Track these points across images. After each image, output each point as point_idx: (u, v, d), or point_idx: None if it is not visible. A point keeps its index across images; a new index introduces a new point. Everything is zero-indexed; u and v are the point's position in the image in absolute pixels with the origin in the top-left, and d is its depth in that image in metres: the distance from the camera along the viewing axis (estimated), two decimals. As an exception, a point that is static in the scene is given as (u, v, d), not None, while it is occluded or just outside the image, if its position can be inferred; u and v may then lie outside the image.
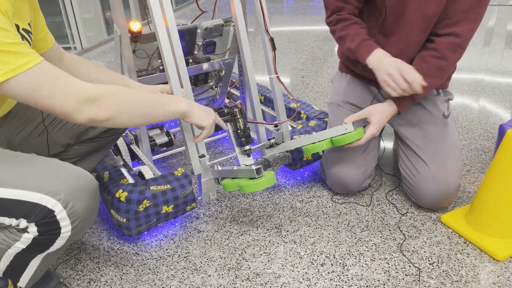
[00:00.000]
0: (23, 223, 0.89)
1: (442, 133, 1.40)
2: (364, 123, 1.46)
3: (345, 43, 1.39)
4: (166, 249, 1.34)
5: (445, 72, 1.32)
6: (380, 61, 1.29)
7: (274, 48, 1.46)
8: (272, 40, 1.45)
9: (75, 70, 1.28)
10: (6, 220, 0.90)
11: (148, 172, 1.49)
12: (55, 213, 0.88)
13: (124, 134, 1.77)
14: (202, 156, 1.38)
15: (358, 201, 1.51)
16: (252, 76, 1.49)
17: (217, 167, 1.39)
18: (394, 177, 1.63)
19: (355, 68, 1.52)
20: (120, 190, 1.29)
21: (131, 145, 1.72)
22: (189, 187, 1.35)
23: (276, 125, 1.53)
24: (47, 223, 0.89)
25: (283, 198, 1.55)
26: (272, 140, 1.50)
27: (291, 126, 1.73)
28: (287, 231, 1.38)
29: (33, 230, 0.90)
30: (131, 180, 1.46)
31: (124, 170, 1.53)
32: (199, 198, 1.45)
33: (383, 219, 1.41)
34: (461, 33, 1.27)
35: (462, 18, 1.26)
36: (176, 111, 1.09)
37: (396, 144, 1.50)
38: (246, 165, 1.39)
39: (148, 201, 1.29)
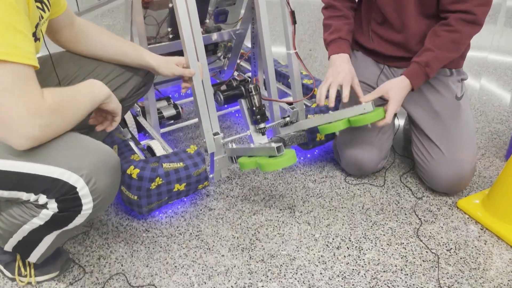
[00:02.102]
0: (42, 198, 0.85)
1: (454, 115, 1.36)
2: (380, 101, 1.42)
3: (325, 33, 1.44)
4: (177, 227, 1.31)
5: (459, 45, 1.29)
6: (334, 64, 1.35)
7: (294, 22, 1.38)
8: (292, 13, 1.38)
9: (85, 37, 1.20)
10: (24, 195, 0.86)
11: (158, 147, 1.43)
12: (77, 190, 0.83)
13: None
14: (216, 133, 1.33)
15: (372, 183, 1.48)
16: (269, 49, 1.42)
17: (232, 145, 1.34)
18: (407, 158, 1.60)
19: (361, 39, 1.48)
20: (132, 167, 1.24)
21: (137, 117, 1.66)
22: (203, 166, 1.30)
23: (291, 104, 1.48)
24: (68, 200, 0.84)
25: (295, 178, 1.52)
26: (287, 119, 1.45)
27: (306, 105, 1.68)
28: (301, 212, 1.36)
29: (53, 206, 0.86)
30: (141, 156, 1.41)
31: (132, 144, 1.48)
32: (210, 176, 1.41)
33: (398, 203, 1.39)
34: (471, 10, 1.23)
35: None
36: (101, 97, 0.97)
37: (409, 126, 1.46)
38: (263, 143, 1.34)
39: (161, 179, 1.24)
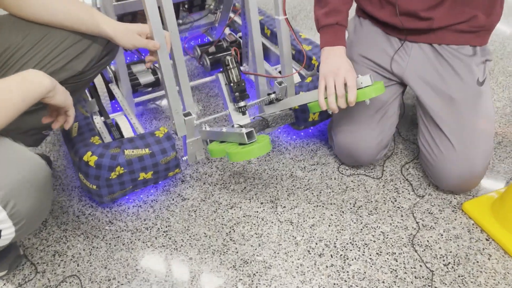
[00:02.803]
0: None
1: (473, 104, 1.14)
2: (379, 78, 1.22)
3: (317, 8, 1.18)
4: (144, 220, 1.17)
5: None
6: (328, 57, 1.14)
7: (286, -16, 1.14)
8: (284, -27, 1.13)
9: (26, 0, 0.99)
10: None
11: (125, 125, 1.26)
12: None
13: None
14: (188, 114, 1.15)
15: (368, 173, 1.31)
16: (254, 12, 1.19)
17: (205, 127, 1.16)
18: (413, 144, 1.41)
19: (374, 11, 1.22)
20: (89, 153, 1.08)
21: (110, 84, 1.47)
22: (172, 152, 1.14)
23: (280, 77, 1.28)
24: None
25: (283, 163, 1.35)
26: (272, 96, 1.25)
27: (301, 76, 1.46)
28: (284, 207, 1.20)
29: None
30: (107, 134, 1.25)
31: (98, 120, 1.31)
32: (184, 158, 1.25)
33: (395, 200, 1.22)
34: None
35: None
36: (39, 93, 0.80)
37: (417, 109, 1.25)
38: (238, 126, 1.16)
39: (122, 168, 1.09)
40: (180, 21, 1.69)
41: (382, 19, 1.20)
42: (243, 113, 1.22)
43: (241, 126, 1.18)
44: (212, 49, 1.65)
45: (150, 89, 1.54)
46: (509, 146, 1.41)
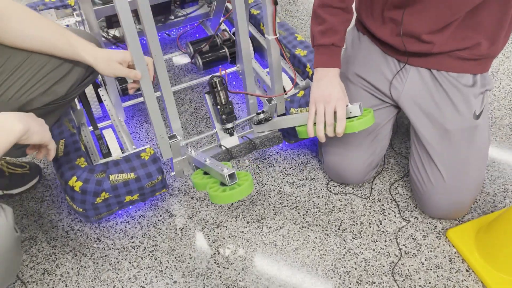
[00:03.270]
0: None
1: (467, 137, 1.12)
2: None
3: (314, 24, 1.13)
4: (131, 237, 1.19)
5: None
6: (321, 80, 1.10)
7: (275, 3, 1.08)
8: (275, -6, 1.07)
9: (3, 24, 0.95)
10: None
11: (112, 139, 1.25)
12: None
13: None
14: (174, 137, 1.13)
15: (356, 192, 1.30)
16: (244, 28, 1.14)
17: (191, 151, 1.15)
18: (405, 159, 1.40)
19: (375, 28, 1.16)
20: (74, 178, 1.08)
21: (99, 89, 1.44)
22: (158, 176, 1.13)
23: (269, 97, 1.24)
24: None
25: (272, 177, 1.34)
26: (261, 116, 1.23)
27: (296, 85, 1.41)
28: (269, 227, 1.22)
29: None
30: (94, 150, 1.25)
31: (86, 133, 1.30)
32: (172, 174, 1.25)
33: (381, 224, 1.23)
34: None
35: None
36: (11, 140, 0.79)
37: (410, 133, 1.23)
38: (224, 149, 1.14)
39: (107, 193, 1.09)
40: (172, 17, 1.63)
41: (381, 37, 1.15)
42: (231, 134, 1.20)
43: (228, 150, 1.17)
44: (205, 46, 1.60)
45: (140, 92, 1.50)
46: (503, 164, 1.39)
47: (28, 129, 0.84)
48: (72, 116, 1.29)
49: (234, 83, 1.65)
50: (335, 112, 1.06)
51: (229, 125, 1.18)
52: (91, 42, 1.04)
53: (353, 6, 1.16)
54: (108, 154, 1.23)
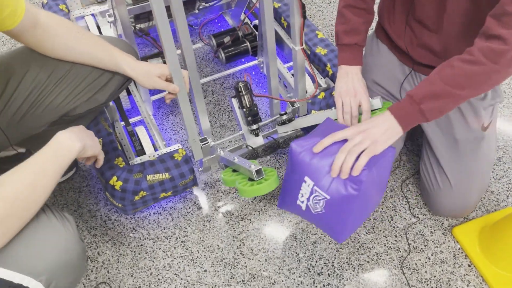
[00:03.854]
0: None
1: (475, 147, 1.20)
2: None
3: (338, 24, 1.21)
4: (164, 228, 1.31)
5: (476, 81, 0.97)
6: (346, 76, 1.19)
7: (304, 17, 1.13)
8: (303, 6, 1.12)
9: (50, 41, 1.02)
10: None
11: (144, 137, 1.33)
12: None
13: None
14: (204, 140, 1.22)
15: (370, 189, 1.40)
16: (271, 38, 1.20)
17: (220, 152, 1.24)
18: (416, 156, 1.48)
19: (390, 30, 1.23)
20: (115, 178, 1.18)
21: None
22: (190, 176, 1.23)
23: (292, 100, 1.31)
24: None
25: (291, 172, 1.44)
26: (284, 117, 1.31)
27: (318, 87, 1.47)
28: (290, 221, 1.33)
29: None
30: (128, 147, 1.34)
31: (120, 130, 1.38)
32: (200, 170, 1.35)
33: (392, 219, 1.34)
34: (508, 38, 0.91)
35: None
36: (72, 157, 0.89)
37: (421, 137, 1.31)
38: (251, 148, 1.22)
39: (145, 192, 1.19)
40: (196, 10, 1.66)
41: (400, 45, 1.21)
42: (256, 135, 1.28)
43: (253, 150, 1.26)
44: (227, 39, 1.64)
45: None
46: (508, 163, 1.48)
47: (84, 146, 0.93)
48: (107, 114, 1.37)
49: (256, 80, 1.71)
50: (359, 106, 1.16)
51: (255, 126, 1.26)
52: (130, 54, 1.11)
53: (376, 9, 1.23)
54: (142, 151, 1.32)
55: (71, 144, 0.91)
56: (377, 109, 1.18)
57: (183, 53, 1.07)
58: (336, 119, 1.20)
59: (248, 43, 1.63)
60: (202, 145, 1.21)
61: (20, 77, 1.03)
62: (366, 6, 1.17)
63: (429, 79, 1.00)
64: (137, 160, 1.28)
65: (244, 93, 1.22)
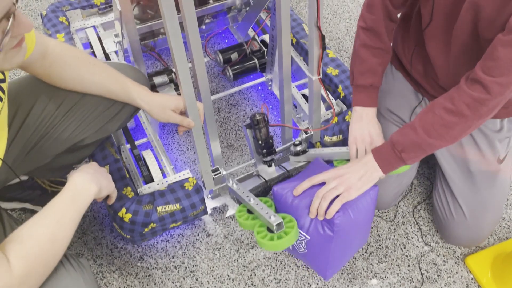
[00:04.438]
0: None
1: (490, 179, 1.18)
2: None
3: (354, 64, 1.18)
4: (172, 257, 1.27)
5: (453, 133, 0.97)
6: (361, 119, 1.16)
7: (323, 48, 1.09)
8: (323, 38, 1.08)
9: (61, 71, 0.98)
10: None
11: (152, 161, 1.29)
12: None
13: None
14: (216, 170, 1.18)
15: (381, 215, 1.38)
16: (287, 65, 1.16)
17: (233, 184, 1.20)
18: (427, 180, 1.47)
19: (404, 59, 1.21)
20: (124, 210, 1.13)
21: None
22: (201, 206, 1.19)
23: (306, 129, 1.28)
24: None
25: (302, 196, 1.41)
26: (298, 148, 1.27)
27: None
28: (301, 249, 1.30)
29: None
30: (135, 173, 1.29)
31: (126, 154, 1.34)
32: (208, 196, 1.31)
33: (404, 248, 1.32)
34: (490, 87, 0.89)
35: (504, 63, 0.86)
36: (89, 201, 0.87)
37: (435, 168, 1.29)
38: (264, 210, 1.17)
39: (155, 224, 1.15)
40: (203, 26, 1.61)
41: (413, 75, 1.19)
42: (269, 166, 1.25)
43: (266, 182, 1.21)
44: (234, 55, 1.60)
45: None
46: (519, 188, 1.47)
47: (100, 187, 0.89)
48: (112, 138, 1.32)
49: (262, 95, 1.67)
50: None
51: (269, 158, 1.22)
52: (142, 84, 1.06)
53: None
54: (149, 177, 1.27)
55: (88, 187, 0.87)
56: None
57: (198, 85, 1.02)
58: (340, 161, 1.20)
59: (256, 60, 1.58)
60: (214, 175, 1.17)
61: (28, 109, 0.98)
62: (383, 46, 1.13)
63: (411, 126, 1.01)
64: (145, 188, 1.24)
65: (261, 126, 1.17)
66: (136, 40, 1.21)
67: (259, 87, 1.69)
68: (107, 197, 1.01)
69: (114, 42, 1.35)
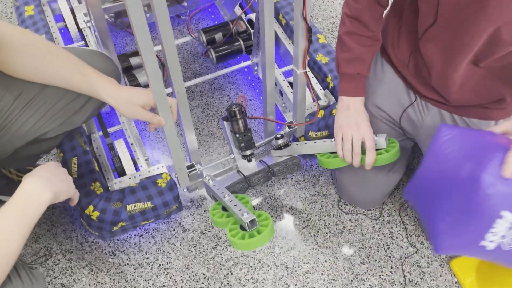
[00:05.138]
0: None
1: None
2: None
3: (340, 51, 1.08)
4: (146, 253, 1.22)
5: None
6: (347, 109, 1.07)
7: (309, 41, 0.99)
8: (309, 29, 0.97)
9: (17, 61, 0.88)
10: None
11: (124, 152, 1.21)
12: None
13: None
14: (192, 166, 1.11)
15: (366, 213, 1.32)
16: (270, 56, 1.06)
17: (209, 180, 1.13)
18: (416, 176, 1.40)
19: (394, 57, 1.11)
20: (91, 207, 1.07)
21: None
22: (174, 205, 1.13)
23: (290, 124, 1.19)
24: None
25: (284, 190, 1.34)
26: (280, 142, 1.19)
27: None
28: (281, 248, 1.25)
29: None
30: (107, 166, 1.21)
31: (97, 143, 1.25)
32: (184, 190, 1.24)
33: (388, 248, 1.27)
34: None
35: None
36: (42, 210, 0.79)
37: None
38: (238, 208, 1.10)
39: (124, 222, 1.09)
40: (185, 3, 1.49)
41: (405, 75, 1.10)
42: (249, 161, 1.17)
43: (246, 178, 1.14)
44: (219, 36, 1.49)
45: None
46: (511, 186, 1.40)
47: (56, 193, 0.81)
48: (83, 125, 1.23)
49: (249, 77, 1.57)
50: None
51: (248, 152, 1.15)
52: (111, 74, 0.96)
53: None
54: (121, 168, 1.20)
55: (41, 195, 0.79)
56: (381, 149, 1.07)
57: (170, 74, 0.92)
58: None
59: (241, 42, 1.48)
60: (189, 172, 1.10)
61: None
62: (371, 34, 1.03)
63: None
64: (116, 182, 1.16)
65: (238, 118, 1.09)
66: (102, 20, 1.09)
67: (246, 69, 1.59)
68: (69, 199, 0.93)
69: (84, 22, 1.23)
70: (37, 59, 0.88)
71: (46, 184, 0.80)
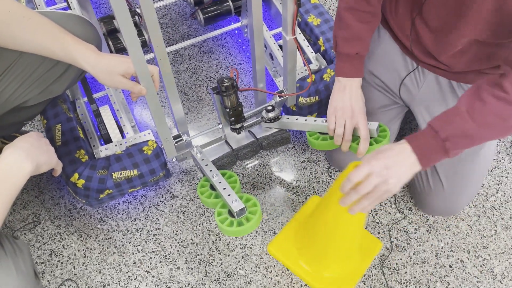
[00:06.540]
0: None
1: (473, 153, 1.10)
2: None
3: (338, 29, 1.04)
4: (134, 219, 1.22)
5: (508, 124, 0.84)
6: (343, 90, 1.04)
7: (298, 5, 0.95)
8: (298, -7, 0.93)
9: None
10: None
11: (109, 119, 1.18)
12: None
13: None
14: (179, 137, 1.09)
15: (356, 179, 1.32)
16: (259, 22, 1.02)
17: (197, 153, 1.11)
18: (407, 142, 1.38)
19: (392, 21, 1.07)
20: (76, 175, 1.06)
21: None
22: (161, 172, 1.12)
23: (280, 94, 1.16)
24: None
25: (274, 157, 1.33)
26: (271, 115, 1.16)
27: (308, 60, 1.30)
28: (269, 214, 1.25)
29: None
30: (93, 133, 1.19)
31: (82, 109, 1.22)
32: (173, 160, 1.23)
33: (377, 214, 1.27)
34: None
35: None
36: (23, 182, 0.79)
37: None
38: (228, 194, 1.06)
39: (111, 190, 1.08)
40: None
41: (403, 42, 1.06)
42: (238, 133, 1.15)
43: (233, 152, 1.12)
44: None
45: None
46: (502, 153, 1.40)
47: (37, 165, 0.80)
48: (67, 91, 1.20)
49: (239, 40, 1.52)
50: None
51: (238, 126, 1.12)
52: (90, 40, 0.92)
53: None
54: (107, 134, 1.18)
55: (22, 166, 0.78)
56: (371, 137, 1.06)
57: (150, 37, 0.88)
58: None
59: (230, 2, 1.42)
60: (176, 143, 1.08)
61: None
62: (371, 9, 0.98)
63: (457, 112, 0.84)
64: (102, 149, 1.15)
65: (229, 93, 1.05)
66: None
67: (236, 32, 1.54)
68: (52, 170, 0.92)
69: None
70: (9, 25, 0.84)
71: (27, 155, 0.79)
